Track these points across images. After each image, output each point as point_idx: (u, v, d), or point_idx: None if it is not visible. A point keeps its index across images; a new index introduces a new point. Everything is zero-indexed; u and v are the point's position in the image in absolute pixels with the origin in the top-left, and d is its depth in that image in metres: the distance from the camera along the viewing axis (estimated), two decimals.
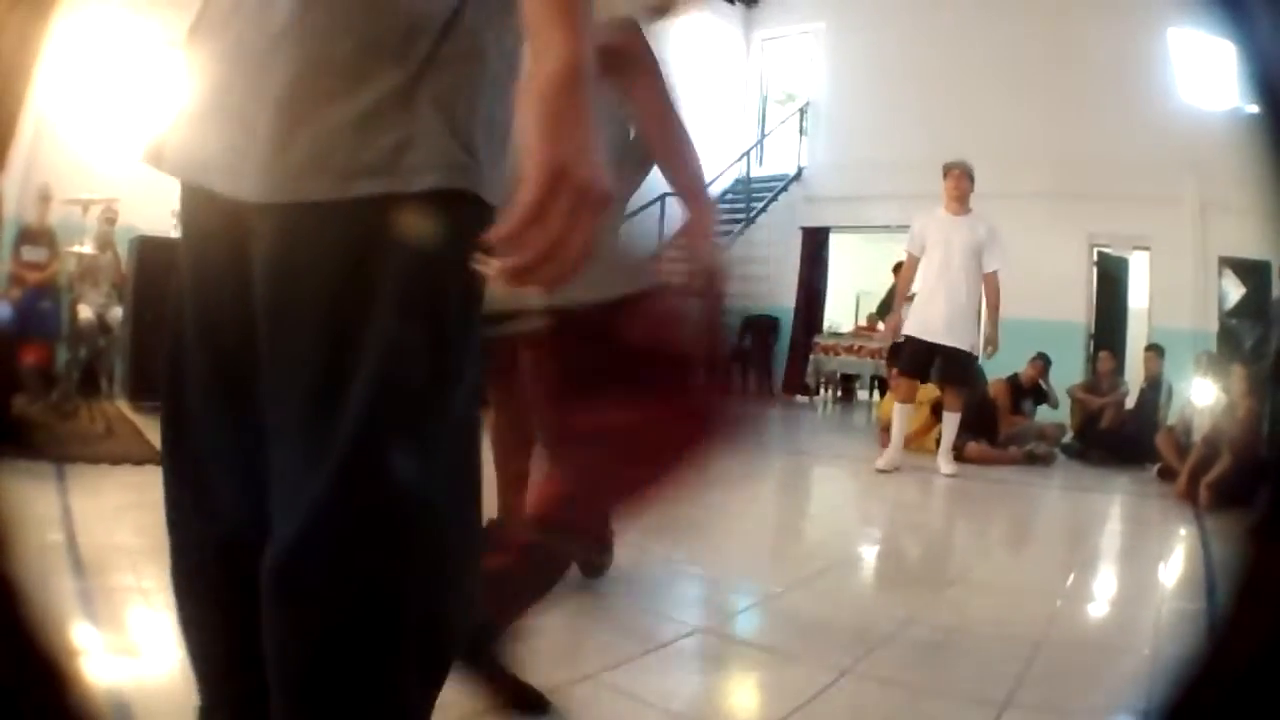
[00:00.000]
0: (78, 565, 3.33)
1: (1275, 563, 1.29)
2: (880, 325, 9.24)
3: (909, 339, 8.11)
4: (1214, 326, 12.55)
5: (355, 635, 1.32)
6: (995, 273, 7.95)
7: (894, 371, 8.89)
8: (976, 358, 8.38)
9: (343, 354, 1.30)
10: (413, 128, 1.30)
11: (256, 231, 1.36)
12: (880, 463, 7.82)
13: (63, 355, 7.93)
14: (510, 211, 1.15)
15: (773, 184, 16.85)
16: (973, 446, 9.03)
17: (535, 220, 1.13)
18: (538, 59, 1.20)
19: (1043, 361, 10.44)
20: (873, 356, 13.28)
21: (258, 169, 1.32)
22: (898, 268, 10.28)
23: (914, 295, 8.18)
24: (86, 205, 8.20)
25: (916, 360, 8.06)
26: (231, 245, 1.40)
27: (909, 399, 8.24)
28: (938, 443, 8.22)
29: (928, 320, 7.88)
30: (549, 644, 3.16)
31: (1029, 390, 10.22)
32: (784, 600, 4.05)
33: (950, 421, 8.13)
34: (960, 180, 7.90)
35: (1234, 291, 12.72)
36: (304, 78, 1.31)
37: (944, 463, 7.98)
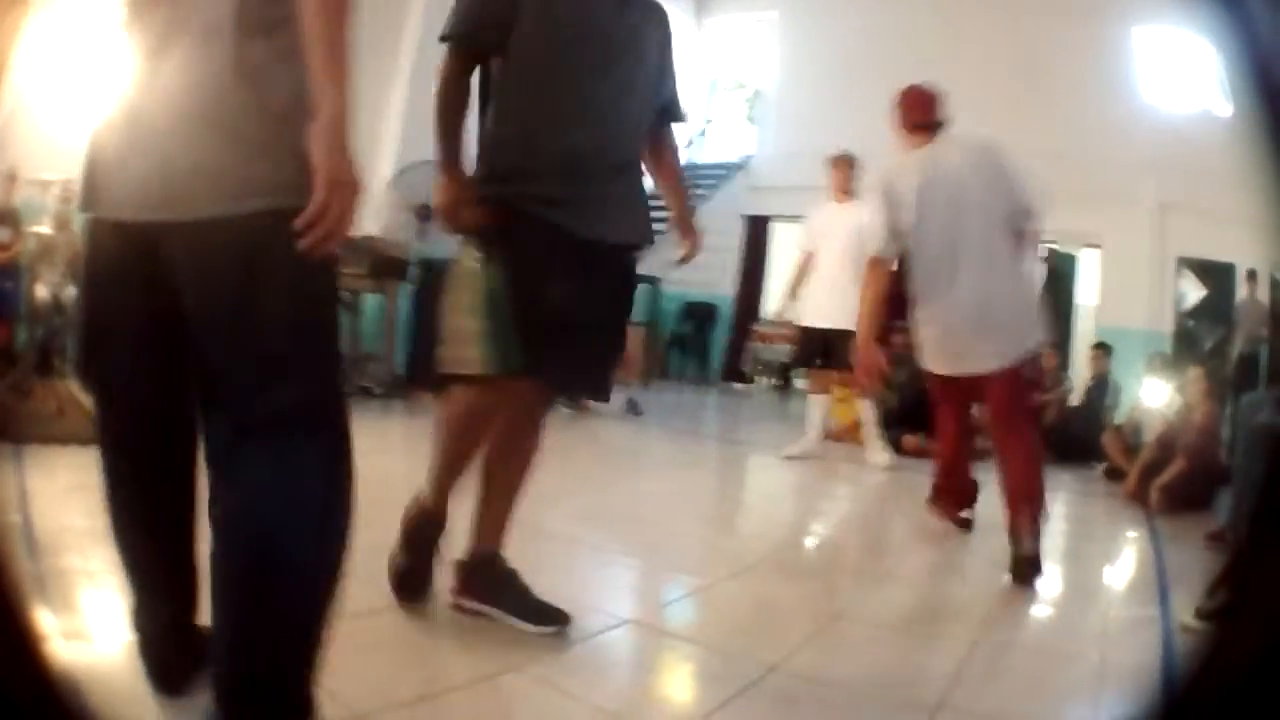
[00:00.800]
0: (31, 547, 3.26)
1: (1271, 570, 1.27)
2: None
3: (802, 330, 8.19)
4: (1168, 327, 12.66)
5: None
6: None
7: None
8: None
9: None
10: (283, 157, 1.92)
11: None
12: (791, 449, 7.95)
13: (22, 335, 7.96)
14: (313, 207, 1.85)
15: (717, 171, 16.83)
16: (909, 439, 9.05)
17: (326, 211, 1.86)
18: (320, 106, 1.86)
19: None
20: None
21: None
22: None
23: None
24: (46, 185, 8.18)
25: (810, 349, 8.11)
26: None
27: (824, 390, 8.38)
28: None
29: (819, 307, 7.94)
30: (472, 634, 3.14)
31: None
32: (713, 593, 4.02)
33: (867, 409, 8.28)
34: (842, 168, 8.00)
35: (1193, 292, 12.84)
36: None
37: (874, 453, 8.06)
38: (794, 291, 8.33)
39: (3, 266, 8.28)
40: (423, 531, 3.38)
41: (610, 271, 3.31)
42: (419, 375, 9.61)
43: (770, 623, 3.63)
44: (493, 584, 3.26)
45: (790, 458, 7.85)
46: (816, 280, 8.03)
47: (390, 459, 7.18)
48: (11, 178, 8.42)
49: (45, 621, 2.39)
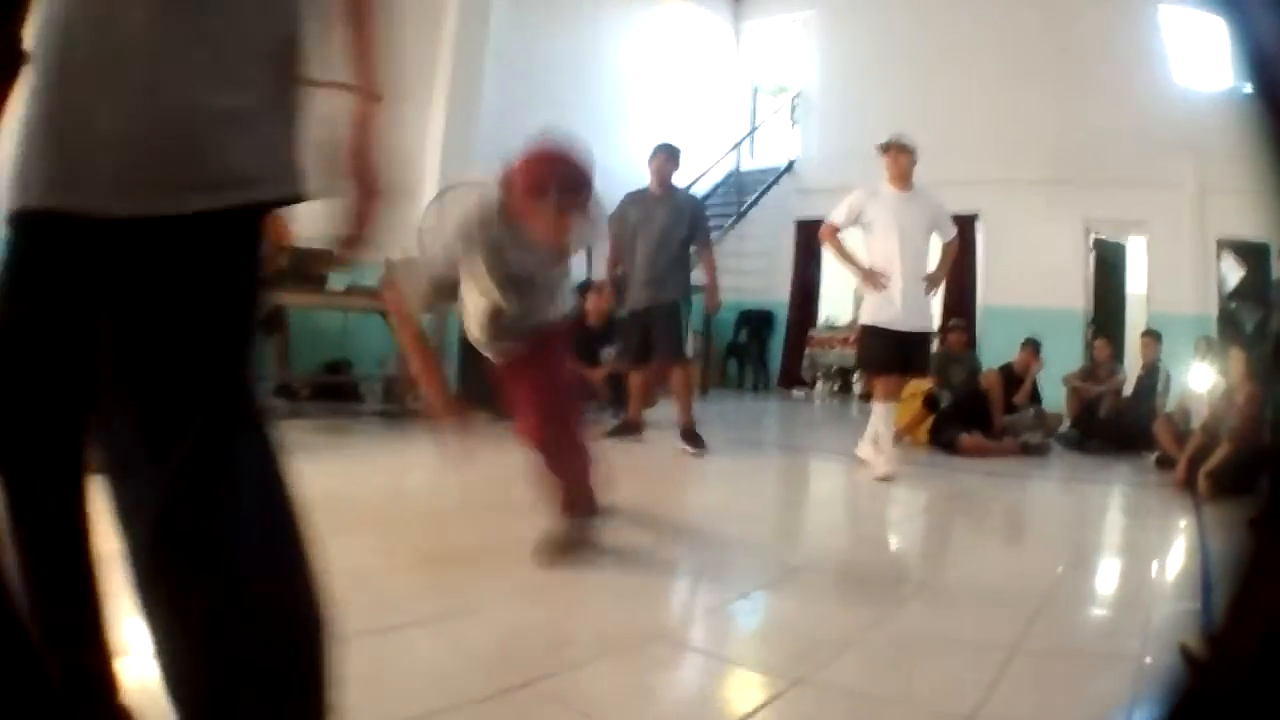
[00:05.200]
0: None
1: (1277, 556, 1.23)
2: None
3: (876, 331, 7.53)
4: (1214, 310, 12.46)
5: None
6: (953, 240, 7.72)
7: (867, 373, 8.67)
8: (931, 340, 8.26)
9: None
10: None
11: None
12: (880, 470, 7.20)
13: None
14: (351, 213, 1.83)
15: (764, 177, 16.81)
16: (966, 438, 8.94)
17: (366, 220, 1.82)
18: (359, 105, 1.84)
19: (1033, 347, 10.17)
20: None
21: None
22: None
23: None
24: None
25: (887, 353, 7.50)
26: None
27: (894, 396, 7.76)
28: (930, 435, 8.05)
29: (894, 309, 7.39)
30: (490, 644, 3.11)
31: (1022, 380, 10.06)
32: (743, 604, 3.96)
33: (888, 415, 7.68)
34: (899, 157, 7.49)
35: (1233, 274, 12.62)
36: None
37: (884, 462, 7.35)
38: (851, 260, 7.74)
39: None
40: None
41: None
42: (470, 395, 9.61)
43: (802, 632, 3.53)
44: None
45: (884, 479, 7.12)
46: (885, 280, 7.40)
47: (433, 475, 7.21)
48: None
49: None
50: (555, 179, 3.69)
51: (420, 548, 4.41)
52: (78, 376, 1.73)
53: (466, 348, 9.70)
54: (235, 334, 1.72)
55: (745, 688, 2.95)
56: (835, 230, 7.60)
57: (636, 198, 8.31)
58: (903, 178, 7.46)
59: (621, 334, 8.68)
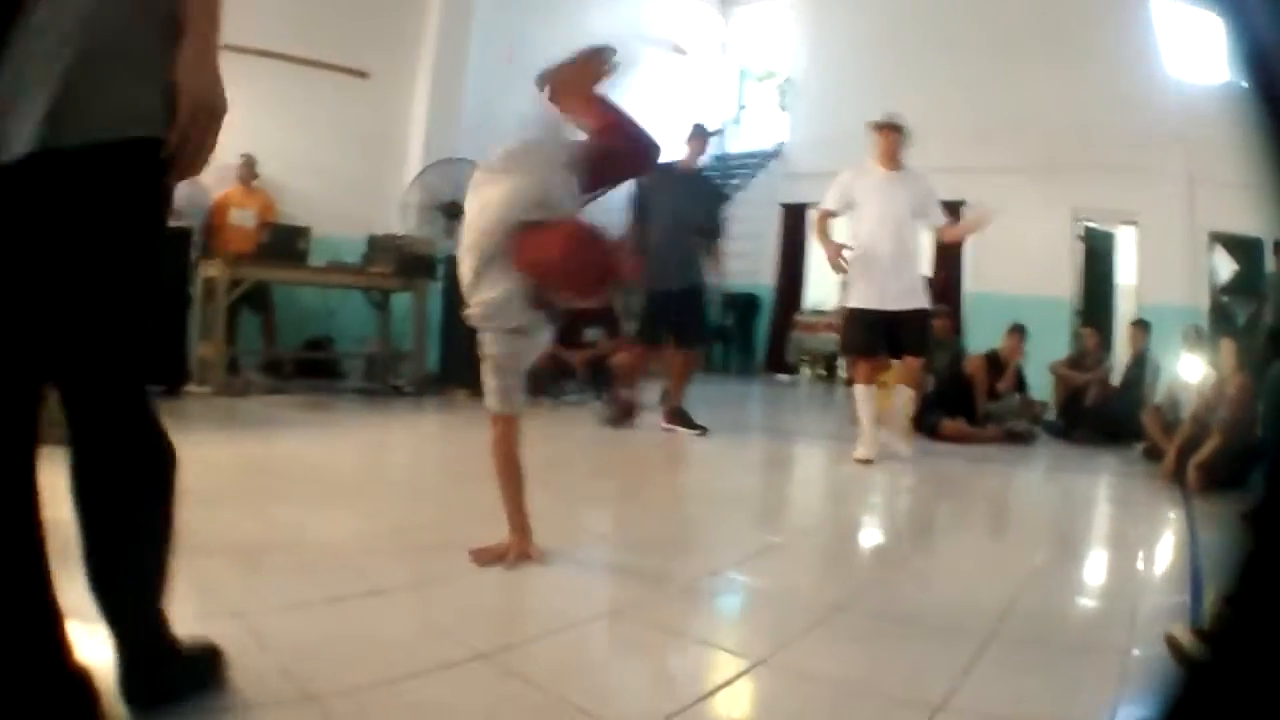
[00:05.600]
0: None
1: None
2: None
3: (857, 314, 7.45)
4: (1205, 303, 12.43)
5: None
6: (946, 223, 7.64)
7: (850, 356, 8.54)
8: (932, 318, 8.08)
9: None
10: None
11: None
12: (860, 452, 7.22)
13: None
14: (179, 132, 1.94)
15: (751, 160, 16.78)
16: (949, 424, 8.93)
17: (191, 136, 1.95)
18: (192, 27, 1.94)
19: (1019, 333, 10.11)
20: None
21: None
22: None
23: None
24: None
25: (871, 334, 7.39)
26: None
27: (872, 379, 7.58)
28: (913, 420, 8.00)
29: (881, 290, 7.27)
30: (462, 611, 3.11)
31: (1007, 367, 10.05)
32: (712, 582, 3.91)
33: (909, 398, 7.68)
34: (890, 136, 7.37)
35: (1225, 267, 12.62)
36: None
37: (900, 443, 7.53)
38: (828, 242, 7.53)
39: None
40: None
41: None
42: (451, 373, 9.61)
43: (770, 612, 3.50)
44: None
45: (865, 461, 7.14)
46: (866, 259, 7.32)
47: (422, 454, 7.22)
48: None
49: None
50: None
51: (392, 521, 4.42)
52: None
53: (448, 327, 9.75)
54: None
55: (705, 666, 2.90)
56: (827, 214, 7.54)
57: (664, 174, 8.09)
58: (890, 156, 7.37)
59: (643, 313, 8.38)
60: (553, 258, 3.45)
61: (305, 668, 2.45)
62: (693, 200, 8.21)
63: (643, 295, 8.24)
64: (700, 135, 8.46)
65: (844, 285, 8.18)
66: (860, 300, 7.38)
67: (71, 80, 1.83)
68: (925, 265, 7.61)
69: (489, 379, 3.75)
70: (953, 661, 2.88)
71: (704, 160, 8.57)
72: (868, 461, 7.11)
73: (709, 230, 8.31)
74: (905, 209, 7.28)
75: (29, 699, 1.90)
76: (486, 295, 3.59)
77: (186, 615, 2.45)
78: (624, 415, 8.30)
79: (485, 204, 3.59)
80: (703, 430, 7.94)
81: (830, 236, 7.44)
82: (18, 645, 1.91)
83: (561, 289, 3.53)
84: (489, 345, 3.70)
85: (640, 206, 8.14)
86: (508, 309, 3.58)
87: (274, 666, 2.46)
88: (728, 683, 2.71)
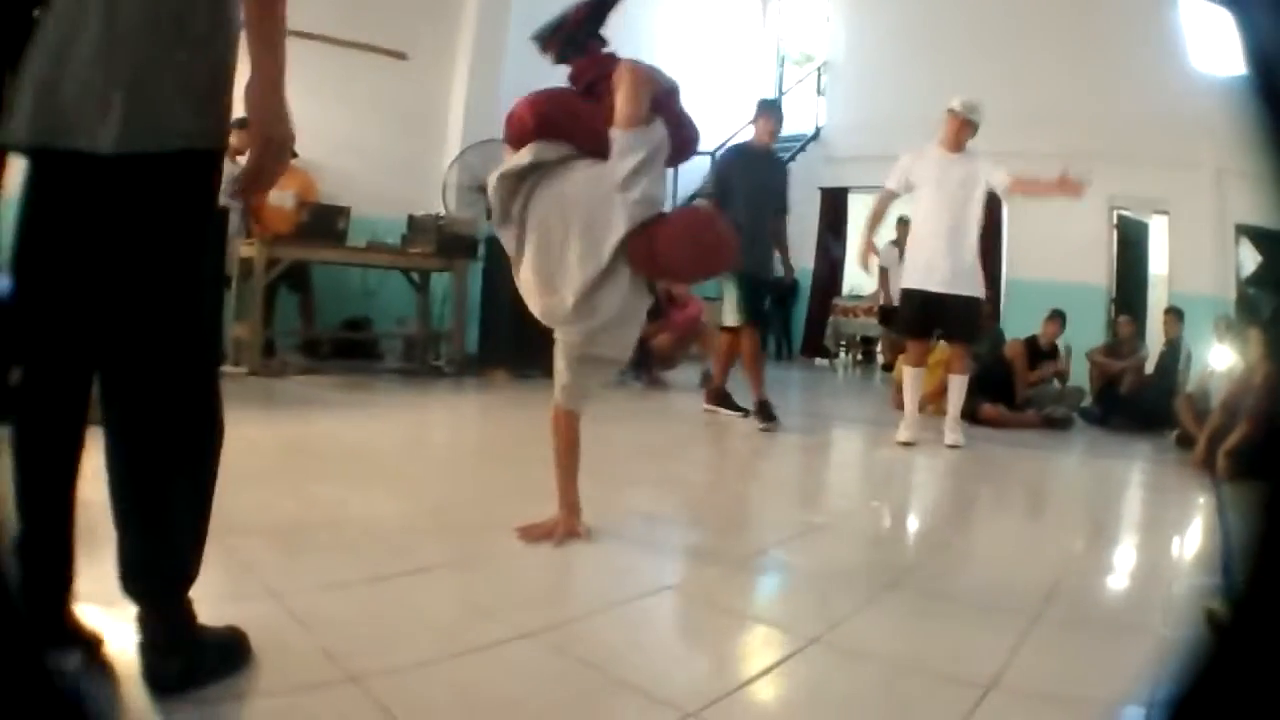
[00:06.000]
0: None
1: None
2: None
3: (911, 293, 7.50)
4: (1232, 294, 12.36)
5: None
6: (1012, 180, 7.30)
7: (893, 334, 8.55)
8: (982, 305, 7.91)
9: None
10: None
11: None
12: (902, 435, 7.33)
13: None
14: (254, 159, 2.16)
15: (790, 145, 16.71)
16: (988, 408, 8.89)
17: (264, 164, 2.15)
18: (259, 65, 2.10)
19: (1059, 319, 10.14)
20: None
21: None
22: (901, 222, 10.04)
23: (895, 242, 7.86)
24: None
25: (922, 316, 7.50)
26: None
27: (920, 362, 7.73)
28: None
29: (929, 269, 7.32)
30: (507, 590, 3.12)
31: (1047, 351, 10.01)
32: (761, 561, 3.93)
33: (958, 385, 7.59)
34: (963, 126, 7.36)
35: (1251, 259, 12.51)
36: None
37: (950, 432, 7.43)
38: (874, 228, 7.84)
39: None
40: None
41: None
42: (490, 353, 9.60)
43: (820, 592, 3.49)
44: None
45: (906, 444, 7.23)
46: (926, 238, 7.40)
47: (462, 434, 7.21)
48: None
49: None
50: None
51: (433, 500, 4.41)
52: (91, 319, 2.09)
53: (487, 307, 9.75)
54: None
55: (758, 644, 2.91)
56: (889, 195, 7.61)
57: (740, 155, 8.08)
58: (954, 142, 7.38)
59: (744, 296, 7.88)
60: (687, 252, 3.42)
61: (347, 648, 2.43)
62: (771, 180, 8.01)
63: (736, 278, 7.75)
64: (769, 111, 8.18)
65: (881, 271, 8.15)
66: (910, 280, 7.47)
67: (140, 87, 2.01)
68: (974, 250, 7.38)
69: (564, 373, 3.66)
70: (1000, 641, 2.91)
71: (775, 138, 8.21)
72: (909, 444, 7.17)
73: (782, 210, 8.10)
74: (960, 191, 7.27)
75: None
76: (606, 310, 3.50)
77: (225, 595, 2.46)
78: (722, 398, 8.08)
79: (592, 213, 3.46)
80: (745, 412, 7.82)
81: (880, 220, 7.65)
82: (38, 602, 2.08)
83: (686, 278, 3.55)
84: (576, 342, 3.60)
85: (721, 190, 7.91)
86: (630, 319, 3.56)
87: (315, 647, 2.43)
88: (782, 661, 2.71)
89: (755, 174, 7.87)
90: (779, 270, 8.50)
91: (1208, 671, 1.26)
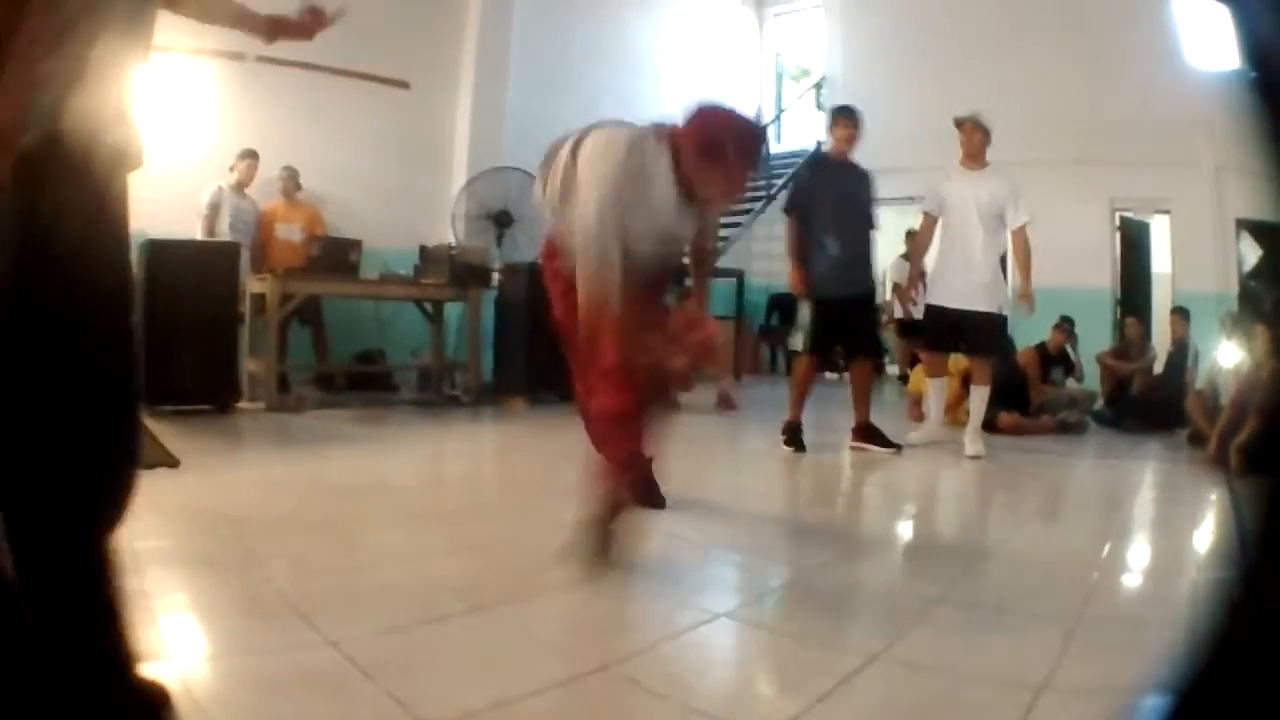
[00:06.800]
0: None
1: None
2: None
3: (934, 309, 7.70)
4: (1235, 288, 12.42)
5: None
6: (1023, 226, 7.54)
7: (918, 344, 8.67)
8: (1005, 322, 7.99)
9: None
10: None
11: None
12: (914, 436, 7.67)
13: None
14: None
15: (792, 160, 16.74)
16: (1004, 416, 8.94)
17: None
18: None
19: (1067, 326, 10.29)
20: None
21: None
22: (910, 235, 10.07)
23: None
24: None
25: (945, 331, 7.67)
26: None
27: (942, 372, 8.04)
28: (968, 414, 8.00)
29: (952, 286, 7.50)
30: (569, 624, 3.16)
31: (1057, 357, 10.08)
32: (809, 582, 3.95)
33: (979, 396, 7.71)
34: (972, 133, 7.53)
35: (1251, 254, 12.55)
36: None
37: (971, 443, 7.49)
38: (919, 261, 8.06)
39: None
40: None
41: None
42: (505, 382, 9.61)
43: (868, 610, 3.57)
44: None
45: (913, 445, 7.57)
46: (949, 257, 7.60)
47: (487, 467, 7.21)
48: None
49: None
50: (732, 139, 3.64)
51: (471, 536, 4.39)
52: None
53: (501, 336, 9.76)
54: None
55: (821, 664, 2.92)
56: (933, 223, 7.82)
57: (820, 168, 7.79)
58: (974, 156, 7.56)
59: (815, 323, 7.46)
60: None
61: (416, 693, 2.44)
62: (857, 192, 7.45)
63: (811, 304, 7.40)
64: (846, 117, 7.48)
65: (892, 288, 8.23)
66: (938, 297, 7.68)
67: None
68: (995, 267, 7.63)
69: None
70: (1048, 644, 3.01)
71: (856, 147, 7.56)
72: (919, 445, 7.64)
73: (870, 226, 7.53)
74: (975, 208, 7.42)
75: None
76: None
77: (282, 646, 2.45)
78: (794, 433, 7.50)
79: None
80: (898, 448, 7.47)
81: (927, 250, 8.00)
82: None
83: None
84: None
85: (802, 207, 7.42)
86: None
87: (381, 693, 2.43)
88: (847, 679, 2.74)
89: (838, 186, 7.38)
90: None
91: (1216, 661, 1.26)
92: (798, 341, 7.66)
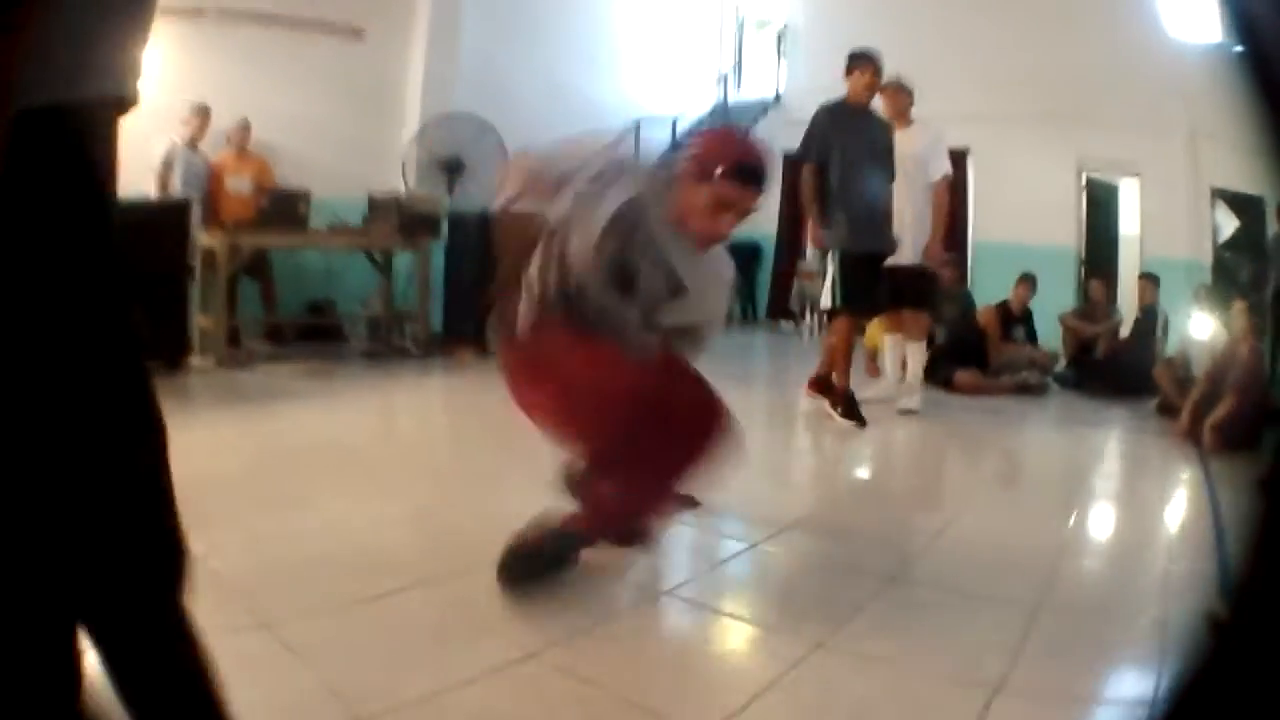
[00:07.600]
0: None
1: None
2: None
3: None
4: (1209, 257, 12.36)
5: None
6: (944, 178, 7.45)
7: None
8: (937, 276, 7.99)
9: None
10: None
11: None
12: (866, 392, 7.42)
13: None
14: None
15: (751, 109, 16.62)
16: (963, 375, 8.87)
17: None
18: None
19: (1029, 282, 10.14)
20: None
21: None
22: None
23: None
24: None
25: (872, 285, 7.17)
26: None
27: (895, 328, 7.84)
28: (925, 372, 7.93)
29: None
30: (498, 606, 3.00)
31: (1019, 317, 10.00)
32: (754, 556, 3.82)
33: (915, 352, 7.65)
34: (895, 97, 7.53)
35: (1227, 224, 12.51)
36: None
37: (907, 397, 7.44)
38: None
39: None
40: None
41: None
42: (455, 331, 9.48)
43: (818, 591, 3.40)
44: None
45: (867, 401, 7.14)
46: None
47: (435, 421, 7.12)
48: None
49: None
50: (727, 163, 3.09)
51: (417, 501, 4.31)
52: None
53: (451, 285, 9.62)
54: None
55: (765, 653, 2.83)
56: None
57: (839, 114, 7.15)
58: (900, 116, 7.52)
59: (852, 279, 6.99)
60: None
61: (350, 681, 2.32)
62: (877, 140, 7.12)
63: (837, 259, 6.99)
64: (866, 62, 7.19)
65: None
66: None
67: None
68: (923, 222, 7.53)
69: None
70: (1005, 635, 2.90)
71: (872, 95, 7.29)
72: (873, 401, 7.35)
73: (890, 177, 7.16)
74: (906, 163, 7.33)
75: None
76: None
77: (209, 628, 2.33)
78: (850, 405, 6.93)
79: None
80: (863, 423, 6.88)
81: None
82: None
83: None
84: None
85: (822, 156, 7.01)
86: None
87: (316, 684, 2.32)
88: (789, 669, 2.63)
89: (857, 133, 7.00)
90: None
91: (1207, 670, 1.27)
92: (825, 298, 7.09)
